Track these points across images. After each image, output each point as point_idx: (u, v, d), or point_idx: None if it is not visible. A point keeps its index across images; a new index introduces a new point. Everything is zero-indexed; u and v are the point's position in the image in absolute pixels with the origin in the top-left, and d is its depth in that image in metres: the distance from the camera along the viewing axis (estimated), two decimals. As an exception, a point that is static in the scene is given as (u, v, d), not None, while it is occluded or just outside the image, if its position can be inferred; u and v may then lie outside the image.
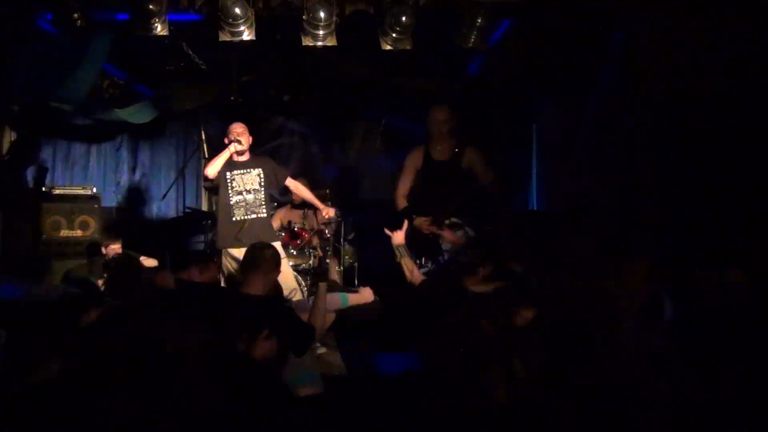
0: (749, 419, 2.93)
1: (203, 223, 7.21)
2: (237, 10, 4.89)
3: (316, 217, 6.82)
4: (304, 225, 6.83)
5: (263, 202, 5.58)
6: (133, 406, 2.98)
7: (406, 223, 4.77)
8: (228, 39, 5.06)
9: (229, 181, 5.51)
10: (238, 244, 5.33)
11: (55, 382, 3.38)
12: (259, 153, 5.91)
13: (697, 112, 4.43)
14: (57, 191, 7.03)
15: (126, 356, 3.24)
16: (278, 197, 8.10)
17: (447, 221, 5.59)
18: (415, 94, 7.71)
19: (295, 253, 6.35)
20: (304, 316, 4.12)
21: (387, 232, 4.68)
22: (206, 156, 8.09)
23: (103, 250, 6.54)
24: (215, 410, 3.04)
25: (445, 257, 5.52)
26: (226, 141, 5.56)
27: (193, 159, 8.46)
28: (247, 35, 5.05)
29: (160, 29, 4.92)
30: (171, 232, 8.43)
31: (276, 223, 6.63)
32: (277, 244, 5.45)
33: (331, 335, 5.20)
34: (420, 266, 5.60)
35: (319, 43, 5.10)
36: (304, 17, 4.99)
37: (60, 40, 5.29)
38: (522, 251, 4.85)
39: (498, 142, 7.34)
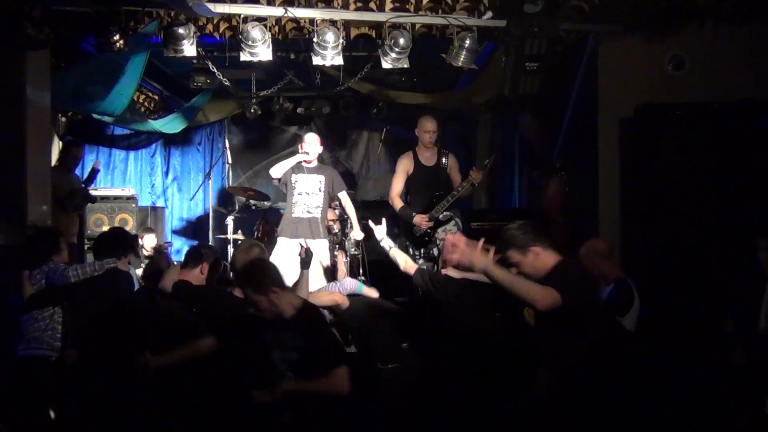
0: None
1: (226, 221, 7.25)
2: (255, 34, 4.91)
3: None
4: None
5: (319, 205, 5.62)
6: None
7: (384, 220, 4.74)
8: (248, 59, 5.07)
9: (293, 182, 5.57)
10: (291, 236, 5.46)
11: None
12: (327, 163, 5.87)
13: (653, 123, 4.46)
14: (99, 192, 7.07)
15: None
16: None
17: (440, 216, 5.66)
18: (412, 106, 7.75)
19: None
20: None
21: (371, 225, 4.66)
22: (230, 161, 8.13)
23: (140, 242, 6.61)
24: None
25: (440, 248, 5.57)
26: (299, 147, 5.61)
27: (217, 164, 8.50)
28: (264, 55, 5.06)
29: (189, 50, 4.96)
30: (200, 227, 8.50)
31: None
32: (324, 242, 5.64)
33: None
34: (419, 256, 5.67)
35: (328, 63, 5.12)
36: (314, 39, 5.00)
37: (102, 61, 5.33)
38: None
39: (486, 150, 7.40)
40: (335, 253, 6.53)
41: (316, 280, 5.41)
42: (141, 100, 7.26)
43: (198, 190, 8.34)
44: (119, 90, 5.84)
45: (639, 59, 4.73)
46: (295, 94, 7.87)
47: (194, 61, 5.50)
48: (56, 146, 6.96)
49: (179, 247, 8.35)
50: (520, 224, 3.10)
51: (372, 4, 4.98)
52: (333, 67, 5.25)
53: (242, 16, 4.91)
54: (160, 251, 6.44)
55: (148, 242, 6.81)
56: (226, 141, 8.00)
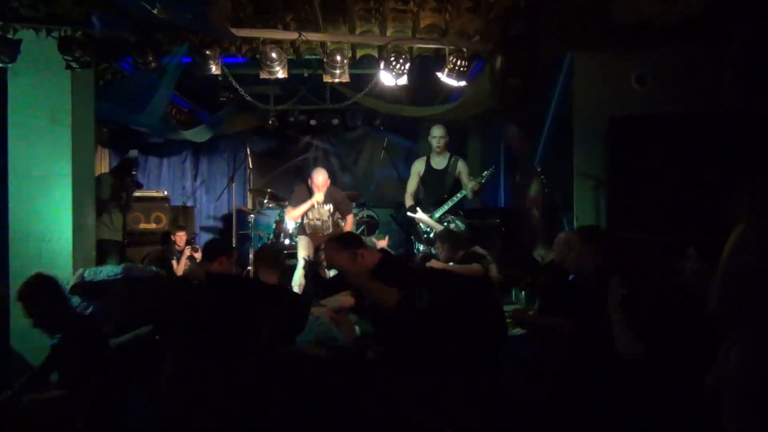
0: None
1: (248, 219, 7.29)
2: (273, 54, 4.93)
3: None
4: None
5: (329, 227, 5.70)
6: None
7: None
8: (266, 76, 5.08)
9: (308, 212, 5.65)
10: (306, 235, 5.61)
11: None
12: (333, 189, 5.83)
13: (623, 132, 4.48)
14: (137, 194, 7.12)
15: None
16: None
17: (439, 215, 5.69)
18: (410, 118, 7.78)
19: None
20: None
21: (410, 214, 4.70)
22: (251, 167, 8.19)
23: (173, 238, 6.66)
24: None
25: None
26: (309, 184, 5.62)
27: (240, 169, 8.55)
28: (281, 73, 5.06)
29: (215, 69, 4.98)
30: (224, 224, 8.55)
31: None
32: None
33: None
34: (421, 249, 5.72)
35: (336, 80, 5.14)
36: (324, 59, 5.03)
37: (138, 79, 5.37)
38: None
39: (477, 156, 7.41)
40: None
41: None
42: (173, 113, 7.29)
43: (223, 191, 8.38)
44: (154, 104, 5.87)
45: (610, 75, 4.74)
46: (308, 108, 7.90)
47: (219, 79, 5.51)
48: (99, 154, 7.03)
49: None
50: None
51: (375, 29, 5.01)
52: (341, 83, 5.27)
53: (261, 39, 4.94)
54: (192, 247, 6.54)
55: (180, 239, 6.86)
56: (248, 149, 8.08)
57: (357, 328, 3.71)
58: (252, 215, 7.15)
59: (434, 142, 5.86)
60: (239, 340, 2.90)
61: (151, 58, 4.74)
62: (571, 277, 3.56)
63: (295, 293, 4.20)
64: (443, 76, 5.17)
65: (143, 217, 6.98)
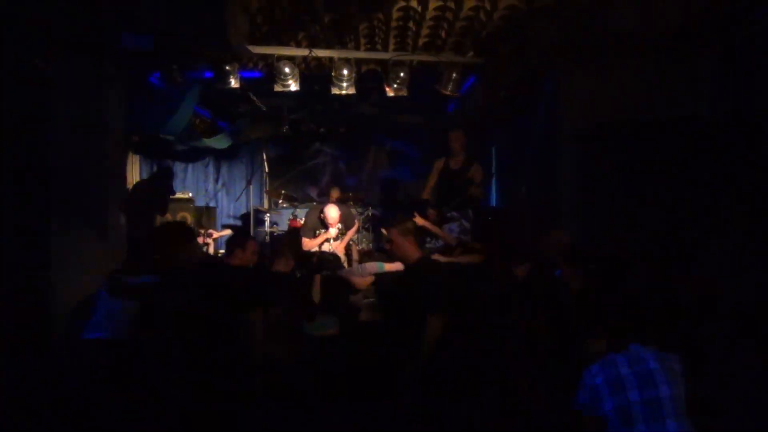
0: None
1: (263, 217, 7.25)
2: (286, 69, 4.90)
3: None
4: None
5: (339, 242, 5.69)
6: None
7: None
8: (280, 89, 5.07)
9: (318, 232, 5.64)
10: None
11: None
12: (342, 210, 5.78)
13: (605, 139, 4.41)
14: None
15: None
16: (317, 198, 8.15)
17: (449, 213, 5.63)
18: (410, 126, 7.72)
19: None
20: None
21: (382, 230, 4.67)
22: (267, 171, 8.14)
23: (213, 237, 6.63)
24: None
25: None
26: (321, 217, 5.58)
27: (257, 173, 8.50)
28: (293, 86, 5.05)
29: (234, 83, 4.95)
30: (243, 223, 8.50)
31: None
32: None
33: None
34: (426, 243, 5.65)
35: (343, 92, 5.11)
36: (332, 73, 5.00)
37: (165, 92, 5.33)
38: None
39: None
40: (350, 244, 6.52)
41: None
42: (196, 123, 7.24)
43: (242, 193, 8.33)
44: (180, 115, 5.84)
45: (593, 86, 4.67)
46: (318, 117, 7.85)
47: (238, 91, 5.47)
48: (130, 160, 6.99)
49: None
50: None
51: (378, 46, 4.96)
52: (348, 95, 5.22)
53: (276, 55, 4.91)
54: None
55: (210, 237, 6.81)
56: (264, 154, 8.02)
57: None
58: (268, 214, 7.11)
59: (451, 145, 5.81)
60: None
61: (176, 73, 4.71)
62: (558, 272, 3.50)
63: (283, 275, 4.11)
64: (440, 88, 5.13)
65: (170, 217, 6.92)
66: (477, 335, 2.83)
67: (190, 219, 7.07)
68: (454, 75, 5.01)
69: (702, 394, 1.71)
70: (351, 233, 5.87)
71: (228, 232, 6.78)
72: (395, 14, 4.29)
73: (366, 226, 7.45)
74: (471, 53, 4.93)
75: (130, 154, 7.09)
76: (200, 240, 6.63)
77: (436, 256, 4.21)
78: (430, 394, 2.68)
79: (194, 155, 8.58)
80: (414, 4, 4.13)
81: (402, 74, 4.98)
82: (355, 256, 5.84)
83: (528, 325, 2.95)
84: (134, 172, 7.56)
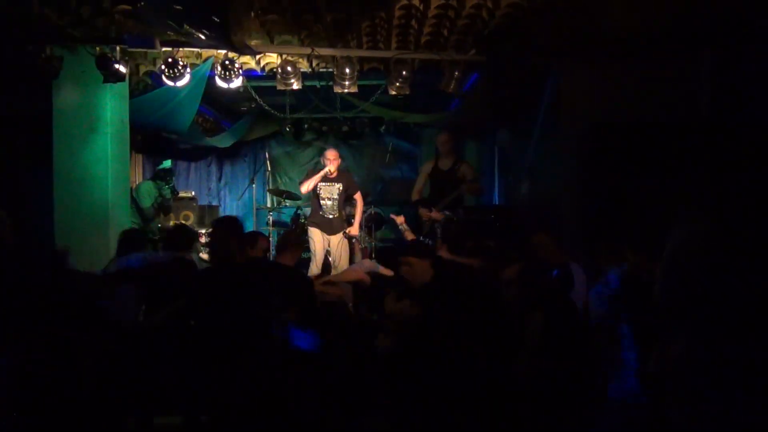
0: None
1: (266, 216, 7.29)
2: (288, 68, 4.92)
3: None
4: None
5: (339, 206, 5.66)
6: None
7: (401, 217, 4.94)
8: (283, 88, 5.08)
9: (318, 190, 5.59)
10: (321, 229, 5.58)
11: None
12: (343, 170, 5.83)
13: (605, 137, 4.43)
14: (168, 194, 7.12)
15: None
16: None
17: (440, 212, 5.66)
18: (412, 124, 7.74)
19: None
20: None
21: (392, 216, 4.77)
22: (269, 169, 8.17)
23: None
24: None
25: (438, 234, 5.60)
26: (322, 161, 5.62)
27: (260, 171, 8.53)
28: (296, 85, 5.06)
29: (237, 82, 4.97)
30: (246, 221, 8.53)
31: None
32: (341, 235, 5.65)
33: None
34: (422, 238, 5.70)
35: (346, 90, 5.13)
36: (334, 72, 5.01)
37: (169, 90, 5.36)
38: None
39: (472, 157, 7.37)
40: (353, 240, 6.56)
41: (342, 264, 5.48)
42: (199, 122, 7.29)
43: (244, 192, 8.36)
44: (183, 114, 5.87)
45: (593, 85, 4.69)
46: (320, 116, 7.87)
47: (240, 90, 5.50)
48: (133, 159, 7.03)
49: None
50: None
51: (380, 44, 4.98)
52: (350, 93, 5.25)
53: (278, 54, 4.93)
54: None
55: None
56: (267, 153, 8.05)
57: None
58: (270, 213, 7.14)
59: (439, 147, 5.88)
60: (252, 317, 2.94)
61: (180, 72, 4.74)
62: (555, 272, 3.52)
63: (301, 271, 4.18)
64: (442, 86, 5.15)
65: (173, 215, 6.97)
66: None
67: (192, 217, 7.10)
68: (456, 73, 5.02)
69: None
70: (360, 201, 5.88)
71: None
72: (397, 12, 4.31)
73: (369, 225, 7.48)
74: (473, 51, 4.95)
75: (133, 153, 7.13)
76: (202, 239, 6.68)
77: (441, 253, 4.23)
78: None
79: (197, 154, 8.63)
80: (416, 2, 4.15)
81: (404, 72, 4.99)
82: (357, 251, 5.89)
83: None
84: (137, 171, 7.61)
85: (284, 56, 4.93)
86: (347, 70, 4.93)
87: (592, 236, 4.37)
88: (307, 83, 5.46)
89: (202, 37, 4.08)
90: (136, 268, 3.57)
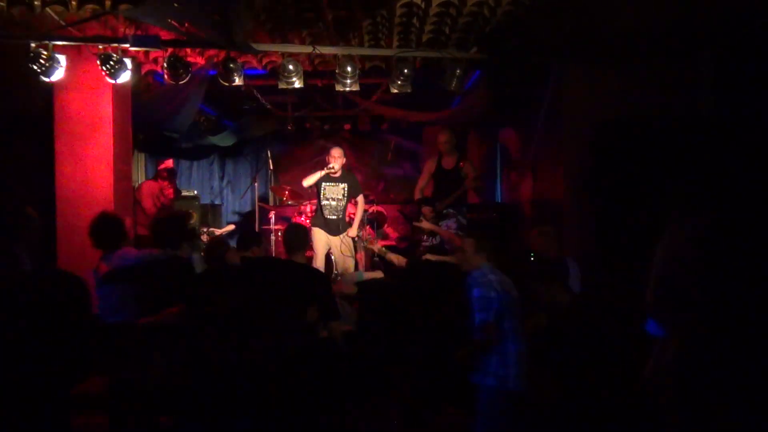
0: None
1: (268, 215, 7.29)
2: (290, 66, 4.92)
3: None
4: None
5: (343, 208, 5.66)
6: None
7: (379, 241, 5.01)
8: (284, 86, 5.06)
9: (323, 189, 5.60)
10: (324, 230, 5.60)
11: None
12: (349, 171, 5.81)
13: (607, 136, 4.42)
14: (170, 193, 7.13)
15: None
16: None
17: (444, 210, 5.67)
18: (414, 123, 7.74)
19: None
20: None
21: (369, 246, 4.77)
22: (271, 168, 8.18)
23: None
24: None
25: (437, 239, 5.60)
26: (326, 159, 5.62)
27: (262, 170, 8.54)
28: (297, 84, 5.04)
29: (238, 81, 4.98)
30: (248, 220, 8.56)
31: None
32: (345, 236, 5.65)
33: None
34: (424, 241, 5.70)
35: (347, 89, 5.12)
36: (336, 70, 5.00)
37: (170, 89, 5.38)
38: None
39: (473, 154, 7.37)
40: (354, 238, 6.56)
41: (347, 266, 5.50)
42: (201, 120, 7.30)
43: (247, 190, 8.39)
44: (185, 113, 5.88)
45: (595, 84, 4.69)
46: (322, 114, 7.88)
47: (242, 89, 5.51)
48: (135, 158, 7.06)
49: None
50: None
51: (382, 42, 4.98)
52: (351, 92, 5.25)
53: (280, 52, 4.94)
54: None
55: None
56: (269, 152, 8.06)
57: None
58: (273, 211, 7.15)
59: (440, 146, 5.89)
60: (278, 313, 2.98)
61: (181, 71, 4.75)
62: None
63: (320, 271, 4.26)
64: (444, 84, 5.14)
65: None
66: None
67: (195, 216, 7.11)
68: (458, 71, 5.02)
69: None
70: (361, 203, 5.87)
71: (230, 228, 6.82)
72: (398, 11, 4.31)
73: (372, 223, 7.49)
74: (475, 49, 4.95)
75: (135, 152, 7.15)
76: (203, 238, 6.69)
77: (427, 256, 4.26)
78: None
79: (199, 153, 8.65)
80: (417, 0, 4.16)
81: (406, 71, 4.99)
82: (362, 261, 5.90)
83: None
84: (139, 170, 7.64)
85: (286, 55, 4.94)
86: (349, 69, 4.93)
87: (593, 233, 4.37)
88: (309, 81, 5.46)
89: (204, 36, 4.09)
90: (131, 267, 3.48)
